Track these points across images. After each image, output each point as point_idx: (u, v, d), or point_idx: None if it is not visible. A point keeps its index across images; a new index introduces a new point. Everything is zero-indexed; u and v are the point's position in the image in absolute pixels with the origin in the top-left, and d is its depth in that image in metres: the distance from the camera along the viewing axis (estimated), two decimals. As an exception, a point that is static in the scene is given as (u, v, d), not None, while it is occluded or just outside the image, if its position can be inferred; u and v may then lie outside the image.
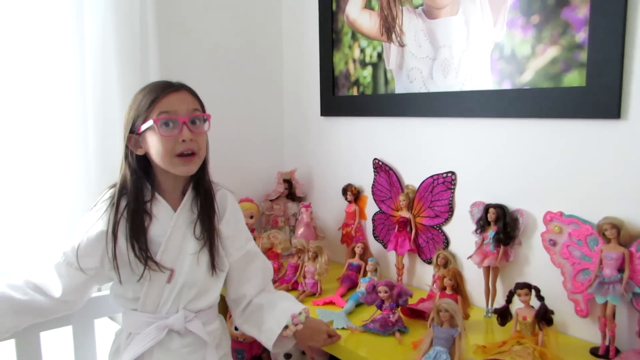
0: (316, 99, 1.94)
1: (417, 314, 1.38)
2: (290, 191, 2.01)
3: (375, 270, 1.61)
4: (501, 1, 1.33)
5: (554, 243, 1.26)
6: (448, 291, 1.33)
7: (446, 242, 1.55)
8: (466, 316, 1.33)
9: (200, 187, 1.20)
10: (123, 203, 1.14)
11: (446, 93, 1.49)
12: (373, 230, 1.77)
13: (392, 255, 1.69)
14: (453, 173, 1.51)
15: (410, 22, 1.57)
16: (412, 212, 1.62)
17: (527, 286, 1.16)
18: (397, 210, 1.66)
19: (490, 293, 1.39)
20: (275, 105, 2.11)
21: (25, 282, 1.14)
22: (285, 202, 2.00)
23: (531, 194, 1.33)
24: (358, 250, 1.68)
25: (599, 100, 1.17)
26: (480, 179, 1.44)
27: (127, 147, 1.14)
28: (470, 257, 1.42)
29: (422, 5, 1.53)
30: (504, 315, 1.22)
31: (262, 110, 2.08)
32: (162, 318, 1.15)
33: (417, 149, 1.61)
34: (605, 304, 1.14)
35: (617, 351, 1.15)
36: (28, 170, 1.50)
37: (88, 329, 1.35)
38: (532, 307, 1.16)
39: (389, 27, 1.64)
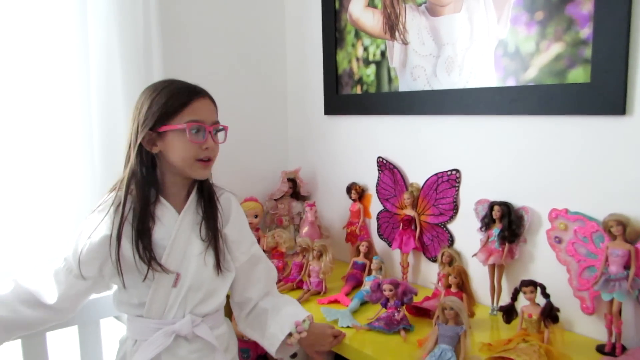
0: (320, 98, 1.94)
1: (422, 312, 1.38)
2: (295, 190, 2.01)
3: (380, 268, 1.60)
4: (505, -2, 1.33)
5: (559, 240, 1.26)
6: (453, 289, 1.32)
7: (451, 240, 1.55)
8: (471, 314, 1.33)
9: (204, 189, 1.20)
10: (128, 204, 1.11)
11: (450, 91, 1.48)
12: (378, 228, 1.77)
13: (396, 254, 1.68)
14: (457, 171, 1.51)
15: (413, 20, 1.57)
16: (417, 210, 1.61)
17: (533, 284, 1.16)
18: (402, 209, 1.66)
19: (495, 291, 1.39)
20: (279, 104, 2.12)
21: (15, 294, 1.11)
22: (289, 201, 2.00)
23: (536, 191, 1.33)
24: (363, 248, 1.68)
25: (604, 96, 1.16)
26: (485, 176, 1.44)
27: (140, 143, 1.11)
28: (475, 254, 1.41)
29: (425, 2, 1.52)
30: (509, 312, 1.21)
31: (266, 110, 2.08)
32: (169, 324, 1.14)
33: (421, 147, 1.61)
34: (612, 301, 1.13)
35: (624, 348, 1.14)
36: (32, 171, 1.50)
37: (94, 329, 1.36)
38: (538, 304, 1.15)
39: (392, 25, 1.63)
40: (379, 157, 1.73)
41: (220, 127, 1.17)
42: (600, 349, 1.18)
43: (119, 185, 1.14)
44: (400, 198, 1.66)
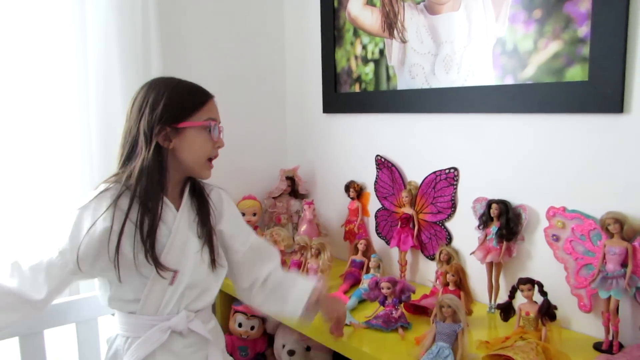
0: (318, 96, 1.94)
1: (420, 310, 1.38)
2: (293, 188, 2.01)
3: (378, 266, 1.60)
4: (503, -4, 1.33)
5: (557, 238, 1.26)
6: (451, 287, 1.32)
7: (449, 238, 1.55)
8: (469, 312, 1.33)
9: (196, 187, 1.21)
10: (127, 201, 1.08)
11: (448, 89, 1.49)
12: (376, 226, 1.77)
13: (395, 252, 1.69)
14: (455, 169, 1.51)
15: (411, 18, 1.57)
16: (415, 209, 1.61)
17: (530, 281, 1.16)
18: (400, 207, 1.66)
19: (493, 289, 1.39)
20: (277, 102, 2.12)
21: None
22: (287, 199, 2.00)
23: (534, 189, 1.33)
24: (361, 246, 1.68)
25: (602, 94, 1.17)
26: (483, 174, 1.44)
27: (151, 138, 1.08)
28: (473, 252, 1.42)
29: (423, 1, 1.52)
30: (507, 310, 1.22)
31: (264, 108, 2.08)
32: (164, 320, 1.14)
33: (419, 145, 1.61)
34: (609, 298, 1.14)
35: (621, 346, 1.15)
36: (31, 167, 1.51)
37: (92, 327, 1.36)
38: (535, 302, 1.16)
39: (390, 24, 1.63)
40: (377, 156, 1.73)
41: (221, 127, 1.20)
42: (597, 346, 1.18)
43: (122, 178, 1.09)
44: (398, 196, 1.66)
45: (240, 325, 1.75)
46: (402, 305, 1.33)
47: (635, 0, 1.11)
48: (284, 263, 1.71)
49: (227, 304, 1.81)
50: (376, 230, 1.77)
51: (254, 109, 2.04)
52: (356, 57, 1.77)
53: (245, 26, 1.98)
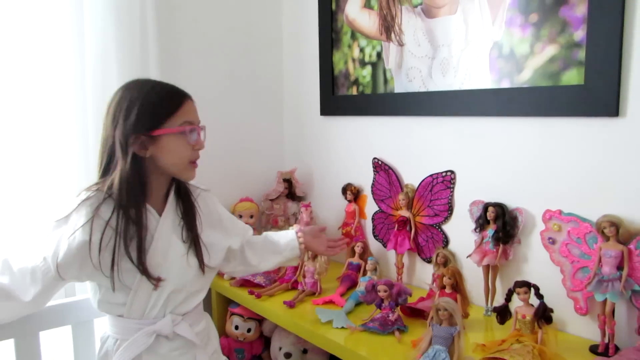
0: (316, 99, 1.94)
1: (417, 313, 1.38)
2: (290, 191, 2.01)
3: (375, 269, 1.61)
4: (500, 0, 1.33)
5: (553, 241, 1.26)
6: (447, 290, 1.33)
7: (446, 241, 1.55)
8: (466, 315, 1.33)
9: (182, 190, 1.19)
10: (108, 210, 1.06)
11: (445, 92, 1.49)
12: (373, 229, 1.77)
13: (391, 254, 1.69)
14: (452, 172, 1.51)
15: (409, 22, 1.57)
16: (412, 211, 1.62)
17: (527, 284, 1.16)
18: (397, 210, 1.66)
19: (489, 291, 1.39)
20: (275, 104, 2.12)
21: None
22: (285, 201, 2.00)
23: (530, 192, 1.33)
24: (358, 249, 1.68)
25: (598, 98, 1.17)
26: (480, 177, 1.45)
27: (127, 148, 1.05)
28: (469, 255, 1.42)
29: (421, 4, 1.53)
30: (503, 313, 1.22)
31: (262, 110, 2.08)
32: (150, 324, 1.13)
33: (416, 148, 1.61)
34: (605, 301, 1.14)
35: (617, 349, 1.15)
36: (27, 168, 1.51)
37: (87, 328, 1.35)
38: (532, 305, 1.16)
39: (388, 27, 1.64)
40: (374, 158, 1.74)
41: (203, 128, 1.16)
42: (593, 349, 1.18)
43: (103, 187, 1.07)
44: (395, 199, 1.66)
45: (237, 327, 1.74)
46: (398, 308, 1.33)
47: (631, 5, 1.11)
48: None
49: (223, 306, 1.81)
50: (373, 232, 1.77)
51: (251, 111, 2.04)
52: (354, 60, 1.77)
53: (244, 28, 1.99)
